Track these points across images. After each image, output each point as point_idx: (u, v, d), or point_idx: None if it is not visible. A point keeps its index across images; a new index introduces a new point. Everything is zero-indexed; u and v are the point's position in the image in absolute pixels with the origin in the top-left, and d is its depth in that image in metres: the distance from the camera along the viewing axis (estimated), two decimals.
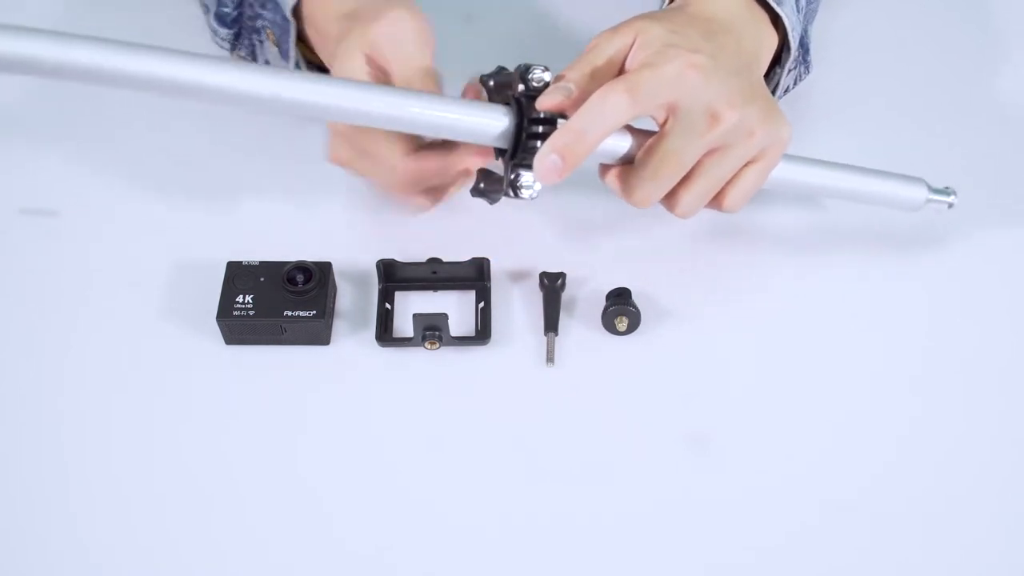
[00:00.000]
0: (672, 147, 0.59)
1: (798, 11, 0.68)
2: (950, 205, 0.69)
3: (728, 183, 0.62)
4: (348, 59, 0.62)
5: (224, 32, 0.76)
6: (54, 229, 0.72)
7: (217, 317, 0.65)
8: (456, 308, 0.68)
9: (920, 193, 0.69)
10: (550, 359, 0.65)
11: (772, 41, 0.67)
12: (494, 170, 0.63)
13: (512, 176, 0.59)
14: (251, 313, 0.65)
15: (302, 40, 0.70)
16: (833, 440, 0.63)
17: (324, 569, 0.59)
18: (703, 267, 0.70)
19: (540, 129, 0.59)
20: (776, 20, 0.67)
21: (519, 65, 0.60)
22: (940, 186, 0.69)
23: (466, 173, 0.64)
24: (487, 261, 0.68)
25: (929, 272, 0.71)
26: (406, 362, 0.66)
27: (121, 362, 0.66)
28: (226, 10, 0.74)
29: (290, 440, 0.63)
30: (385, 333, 0.67)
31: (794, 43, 0.68)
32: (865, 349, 0.67)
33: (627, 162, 0.62)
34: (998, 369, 0.66)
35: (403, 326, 0.67)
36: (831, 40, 0.81)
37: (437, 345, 0.66)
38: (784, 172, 0.65)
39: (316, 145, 0.76)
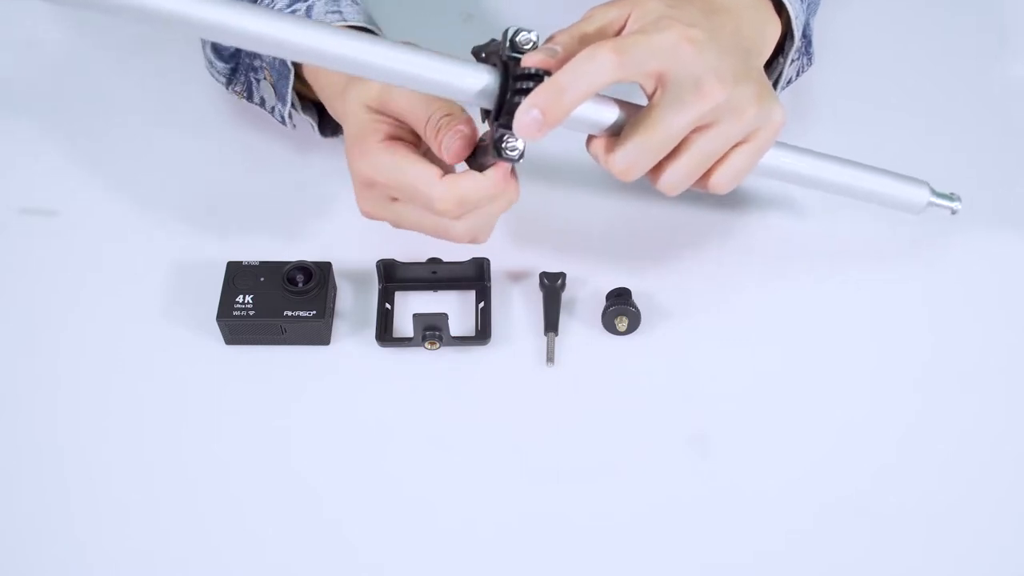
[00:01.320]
0: (659, 117, 0.58)
1: (802, 0, 0.68)
2: (953, 211, 0.69)
3: (717, 162, 0.61)
4: (353, 114, 0.63)
5: (221, 66, 0.74)
6: (54, 229, 0.72)
7: (217, 317, 0.65)
8: (456, 308, 0.68)
9: (922, 196, 0.68)
10: (550, 359, 0.65)
11: (775, 28, 0.66)
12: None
13: (497, 136, 0.58)
14: (251, 313, 0.65)
15: (300, 79, 0.70)
16: (833, 441, 0.63)
17: (324, 569, 0.59)
18: (703, 267, 0.70)
19: (525, 85, 0.57)
20: (779, 9, 0.66)
21: (507, 28, 0.59)
22: (945, 191, 0.69)
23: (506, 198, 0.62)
24: (487, 261, 0.68)
25: (930, 273, 0.70)
26: (406, 362, 0.66)
27: (121, 362, 0.66)
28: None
29: (290, 440, 0.63)
30: (385, 333, 0.67)
31: (797, 32, 0.67)
32: (866, 350, 0.67)
33: (614, 135, 0.61)
34: (998, 372, 0.66)
35: (403, 326, 0.67)
36: (834, 35, 0.81)
37: (437, 345, 0.66)
38: (780, 160, 0.64)
39: (316, 145, 0.76)
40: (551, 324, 0.67)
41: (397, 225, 0.64)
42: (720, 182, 0.61)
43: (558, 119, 0.57)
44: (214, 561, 0.59)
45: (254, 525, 0.60)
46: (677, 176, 0.60)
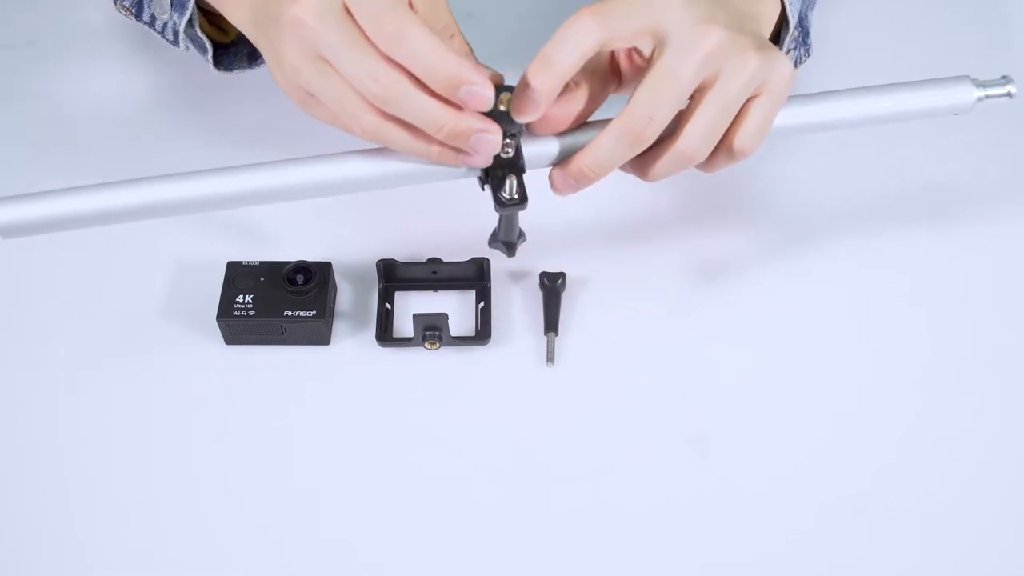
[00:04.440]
0: (664, 65, 0.56)
1: None
2: (1010, 95, 0.62)
3: (735, 122, 0.59)
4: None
5: None
6: None
7: (217, 317, 0.65)
8: (456, 308, 0.68)
9: (967, 93, 0.62)
10: (550, 359, 0.65)
11: (773, 5, 0.64)
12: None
13: (495, 189, 0.59)
14: (251, 313, 0.65)
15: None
16: (833, 441, 0.63)
17: (325, 569, 0.59)
18: (704, 267, 0.70)
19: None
20: None
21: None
22: (992, 77, 0.62)
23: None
24: (487, 261, 0.68)
25: (930, 273, 0.70)
26: (406, 362, 0.66)
27: (121, 362, 0.66)
28: None
29: (290, 440, 0.63)
30: (385, 333, 0.67)
31: (792, 18, 0.66)
32: (865, 349, 0.67)
33: None
34: (998, 371, 0.66)
35: (403, 326, 0.67)
36: (834, 36, 0.81)
37: (437, 345, 0.66)
38: (812, 110, 0.62)
39: (316, 145, 0.76)
40: (551, 324, 0.67)
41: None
42: (743, 141, 0.59)
43: (552, 91, 0.56)
44: (214, 561, 0.59)
45: (254, 525, 0.60)
46: (697, 133, 0.58)
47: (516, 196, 0.59)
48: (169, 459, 0.62)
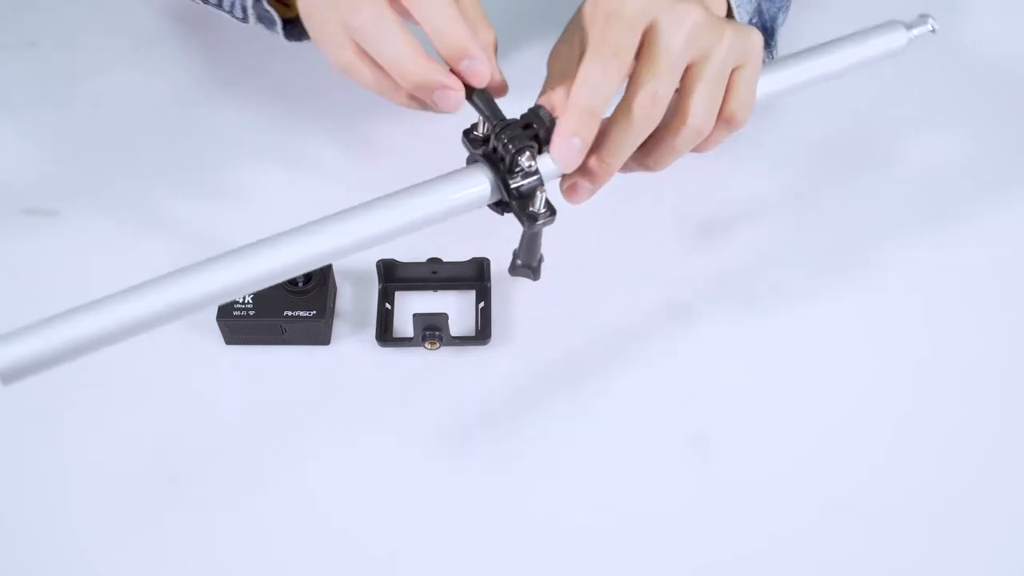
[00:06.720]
0: (658, 45, 0.57)
1: None
2: (933, 30, 0.67)
3: (726, 94, 0.60)
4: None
5: None
6: (54, 229, 0.72)
7: (217, 317, 0.65)
8: (456, 308, 0.68)
9: (899, 38, 0.67)
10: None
11: (720, 6, 0.66)
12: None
13: (520, 208, 0.58)
14: (251, 313, 0.65)
15: None
16: (832, 440, 0.63)
17: (323, 569, 0.59)
18: (703, 268, 0.70)
19: (521, 168, 0.57)
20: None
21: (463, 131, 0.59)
22: (913, 18, 0.68)
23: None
24: (487, 261, 0.68)
25: (927, 272, 0.71)
26: (406, 362, 0.66)
27: (121, 362, 0.66)
28: None
29: (290, 440, 0.63)
30: (385, 333, 0.67)
31: (740, 17, 0.67)
32: (864, 350, 0.67)
33: None
34: (996, 372, 0.66)
35: (403, 326, 0.67)
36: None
37: (437, 345, 0.66)
38: (773, 80, 0.64)
39: (316, 145, 0.76)
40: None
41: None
42: (738, 110, 0.60)
43: (592, 137, 0.57)
44: (213, 561, 0.59)
45: (253, 525, 0.60)
46: (701, 105, 0.58)
47: (545, 209, 0.57)
48: (169, 459, 0.62)
